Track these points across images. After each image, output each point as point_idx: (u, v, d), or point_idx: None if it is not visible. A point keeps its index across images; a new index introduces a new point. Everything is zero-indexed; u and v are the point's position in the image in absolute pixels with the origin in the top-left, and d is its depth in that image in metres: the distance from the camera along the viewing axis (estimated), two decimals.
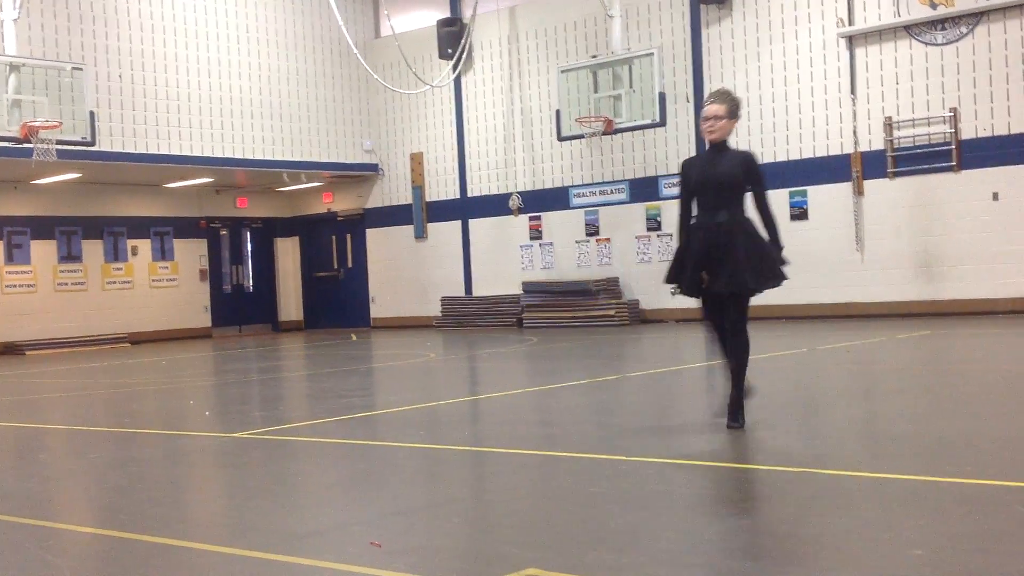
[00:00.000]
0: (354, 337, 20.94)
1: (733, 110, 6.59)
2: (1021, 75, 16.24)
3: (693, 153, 19.43)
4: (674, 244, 6.78)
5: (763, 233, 6.44)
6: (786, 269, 6.45)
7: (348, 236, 24.95)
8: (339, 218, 24.92)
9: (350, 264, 24.98)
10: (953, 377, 9.61)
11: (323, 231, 25.40)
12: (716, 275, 6.37)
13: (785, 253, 6.47)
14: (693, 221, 6.56)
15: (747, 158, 6.58)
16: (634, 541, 4.06)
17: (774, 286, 6.43)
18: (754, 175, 6.48)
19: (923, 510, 4.39)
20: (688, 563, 3.73)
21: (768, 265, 6.39)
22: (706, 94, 19.13)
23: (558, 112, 19.14)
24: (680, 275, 6.58)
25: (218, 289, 24.31)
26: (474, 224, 22.60)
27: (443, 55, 21.67)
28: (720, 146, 6.59)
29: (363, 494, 5.34)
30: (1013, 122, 16.32)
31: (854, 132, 17.55)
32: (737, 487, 5.13)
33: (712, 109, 6.57)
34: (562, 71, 19.18)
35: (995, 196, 16.45)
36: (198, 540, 4.51)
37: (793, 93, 18.21)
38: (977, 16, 16.54)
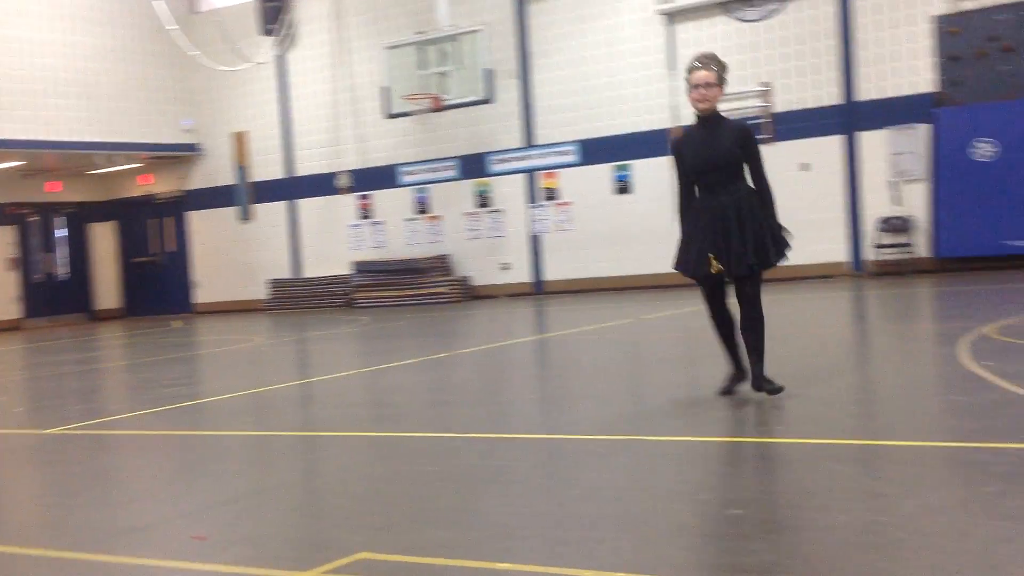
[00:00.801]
0: (177, 324, 20.24)
1: (722, 75, 6.03)
2: (829, 49, 17.05)
3: (519, 130, 19.60)
4: (676, 227, 6.34)
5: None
6: (788, 238, 6.13)
7: (168, 219, 24.07)
8: (158, 201, 23.99)
9: (171, 248, 24.11)
10: (767, 342, 10.00)
11: (141, 214, 24.41)
12: (724, 257, 5.99)
13: (782, 227, 6.12)
14: (695, 203, 6.13)
15: (743, 133, 6.10)
16: (467, 518, 4.06)
17: (779, 260, 6.10)
18: (751, 150, 6.05)
19: (741, 471, 4.55)
20: (521, 536, 3.76)
21: (774, 239, 6.03)
22: (532, 70, 19.44)
23: (386, 89, 18.94)
24: (687, 258, 6.17)
25: (28, 278, 23.07)
26: (302, 204, 22.18)
27: (265, 31, 21.11)
28: (712, 118, 6.05)
29: (187, 486, 5.16)
30: (822, 95, 17.14)
31: (673, 107, 18.04)
32: (566, 459, 5.20)
33: (702, 75, 5.96)
34: (388, 48, 19.00)
35: (805, 167, 17.25)
36: (10, 543, 4.26)
37: (615, 69, 18.56)
38: None
